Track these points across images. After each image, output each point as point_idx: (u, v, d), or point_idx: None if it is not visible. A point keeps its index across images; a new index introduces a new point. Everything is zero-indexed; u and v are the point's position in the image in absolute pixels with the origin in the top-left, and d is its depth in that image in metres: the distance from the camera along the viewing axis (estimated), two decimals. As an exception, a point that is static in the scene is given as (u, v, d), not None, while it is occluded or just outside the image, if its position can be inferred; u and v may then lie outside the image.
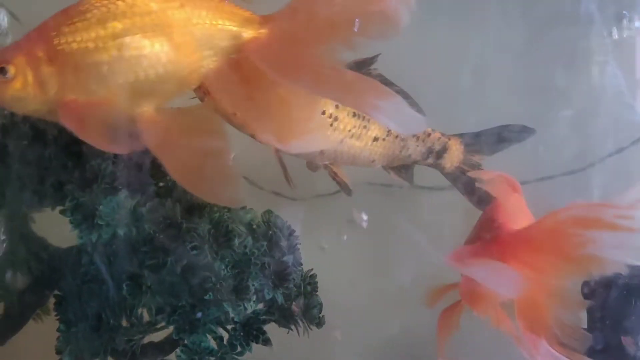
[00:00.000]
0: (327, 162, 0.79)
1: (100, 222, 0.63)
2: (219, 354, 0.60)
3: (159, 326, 0.64)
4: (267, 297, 0.63)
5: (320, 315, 0.69)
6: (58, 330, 0.63)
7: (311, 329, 0.68)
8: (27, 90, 0.56)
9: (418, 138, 0.82)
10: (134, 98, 0.58)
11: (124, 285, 0.62)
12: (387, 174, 0.96)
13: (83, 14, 0.57)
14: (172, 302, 0.61)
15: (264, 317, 0.63)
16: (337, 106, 0.74)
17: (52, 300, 0.74)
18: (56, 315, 0.65)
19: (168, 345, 0.67)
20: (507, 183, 0.80)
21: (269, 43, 0.60)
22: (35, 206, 0.68)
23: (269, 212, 0.71)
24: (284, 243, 0.68)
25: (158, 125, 0.59)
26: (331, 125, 0.74)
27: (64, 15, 0.57)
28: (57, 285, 0.74)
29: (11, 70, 0.56)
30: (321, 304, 0.69)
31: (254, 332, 0.62)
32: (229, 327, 0.63)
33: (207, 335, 0.61)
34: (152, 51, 0.57)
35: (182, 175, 0.58)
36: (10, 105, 0.59)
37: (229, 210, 0.66)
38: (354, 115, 0.75)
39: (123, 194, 0.65)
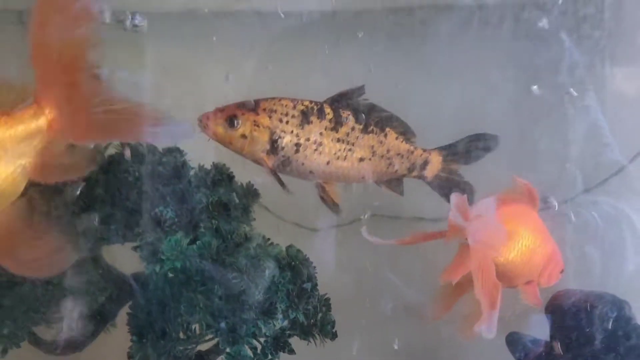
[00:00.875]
0: (319, 181, 0.91)
1: (162, 257, 0.82)
2: (253, 359, 0.78)
3: (207, 338, 0.83)
4: (291, 316, 0.81)
5: (334, 330, 0.87)
6: (131, 340, 0.82)
7: (326, 342, 0.86)
8: None
9: (402, 156, 0.92)
10: None
11: (181, 306, 0.81)
12: (391, 205, 1.14)
13: None
14: (218, 320, 0.79)
15: (288, 332, 0.81)
16: (320, 133, 0.87)
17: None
18: (128, 330, 0.83)
19: (213, 354, 0.85)
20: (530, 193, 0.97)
21: (59, 120, 0.69)
22: (111, 242, 0.88)
23: (291, 246, 0.89)
24: (304, 272, 0.86)
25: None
26: (316, 150, 0.87)
27: None
28: (124, 303, 0.93)
29: None
30: (334, 322, 0.87)
31: (281, 344, 0.80)
32: (261, 339, 0.81)
33: (245, 346, 0.79)
34: None
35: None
36: None
37: (261, 247, 0.85)
38: (338, 140, 0.89)
39: (179, 235, 0.84)
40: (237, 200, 0.88)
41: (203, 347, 0.85)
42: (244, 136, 0.84)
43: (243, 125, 0.84)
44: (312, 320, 0.84)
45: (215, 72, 1.14)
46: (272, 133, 0.85)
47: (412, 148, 0.92)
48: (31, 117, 0.68)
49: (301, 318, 0.82)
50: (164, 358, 0.82)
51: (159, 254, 0.82)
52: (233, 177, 0.92)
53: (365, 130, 0.89)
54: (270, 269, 0.82)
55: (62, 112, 0.69)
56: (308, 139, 0.87)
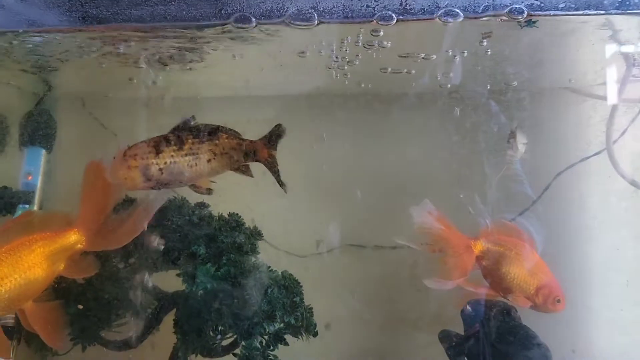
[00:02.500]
0: (192, 183, 1.14)
1: (197, 281, 1.20)
2: (261, 349, 1.16)
3: (228, 336, 1.20)
4: (286, 320, 1.19)
5: (315, 330, 1.25)
6: (177, 337, 1.20)
7: (310, 338, 1.24)
8: None
9: (235, 149, 1.15)
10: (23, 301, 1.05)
11: (211, 314, 1.18)
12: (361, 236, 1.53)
13: None
14: (237, 323, 1.17)
15: (284, 331, 1.19)
16: (172, 155, 1.10)
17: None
18: (174, 331, 1.21)
19: (233, 346, 1.23)
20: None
21: (88, 240, 1.10)
22: (160, 270, 1.25)
23: (285, 271, 1.27)
24: (294, 289, 1.24)
25: (34, 308, 1.07)
26: (174, 167, 1.11)
27: None
28: (165, 314, 1.31)
29: None
30: (315, 324, 1.25)
31: (279, 339, 1.18)
32: (265, 336, 1.19)
33: (256, 340, 1.16)
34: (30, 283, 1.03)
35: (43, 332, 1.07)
36: None
37: (264, 273, 1.23)
38: (186, 154, 1.12)
39: (209, 265, 1.21)
40: (246, 240, 1.27)
41: (225, 342, 1.23)
42: (126, 178, 1.10)
43: (123, 171, 1.10)
44: (300, 323, 1.22)
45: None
46: (142, 169, 1.11)
47: (240, 142, 1.16)
48: (71, 239, 1.09)
49: (293, 321, 1.20)
50: (198, 350, 1.20)
51: (195, 278, 1.20)
52: (243, 223, 1.30)
53: (201, 141, 1.15)
54: (271, 288, 1.20)
55: (89, 238, 1.10)
56: (166, 162, 1.11)
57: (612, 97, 1.31)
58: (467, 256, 1.28)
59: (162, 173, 1.11)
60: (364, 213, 1.58)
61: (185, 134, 1.15)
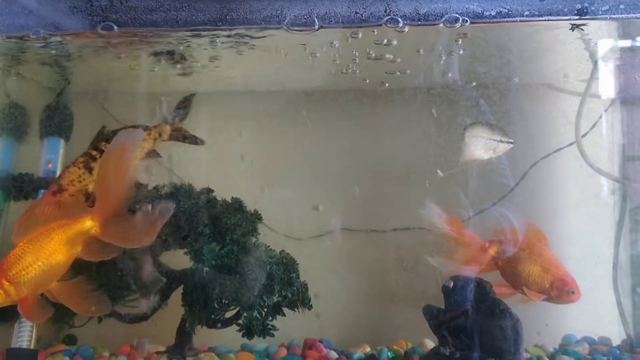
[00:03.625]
0: None
1: (204, 258, 1.32)
2: (261, 320, 1.28)
3: (231, 308, 1.33)
4: (283, 294, 1.31)
5: (310, 303, 1.38)
6: (184, 309, 1.32)
7: (305, 311, 1.37)
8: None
9: (146, 139, 1.31)
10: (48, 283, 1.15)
11: (215, 288, 1.31)
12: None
13: (18, 259, 1.10)
14: (239, 296, 1.29)
15: (282, 304, 1.32)
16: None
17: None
18: (182, 304, 1.34)
19: (235, 317, 1.36)
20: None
21: (102, 228, 1.17)
22: (169, 249, 1.38)
23: (283, 251, 1.40)
24: (292, 267, 1.36)
25: (60, 287, 1.17)
26: None
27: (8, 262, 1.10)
28: (174, 290, 1.43)
29: None
30: (310, 298, 1.37)
31: (277, 311, 1.31)
32: (265, 308, 1.31)
33: (255, 311, 1.29)
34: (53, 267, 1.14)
35: (72, 305, 1.18)
36: None
37: (264, 251, 1.35)
38: None
39: (214, 244, 1.34)
40: (247, 221, 1.40)
41: (228, 314, 1.36)
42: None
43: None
44: (296, 297, 1.35)
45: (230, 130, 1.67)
46: (83, 190, 1.25)
47: (147, 131, 1.34)
48: (85, 225, 1.17)
49: (289, 295, 1.33)
50: (204, 320, 1.33)
51: (201, 256, 1.33)
52: (245, 206, 1.43)
53: None
54: (270, 265, 1.33)
55: (103, 226, 1.17)
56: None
57: (582, 94, 1.43)
58: (483, 258, 1.39)
59: None
60: (358, 200, 1.71)
61: (102, 144, 1.30)
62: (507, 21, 1.06)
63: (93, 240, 1.19)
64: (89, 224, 1.17)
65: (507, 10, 1.05)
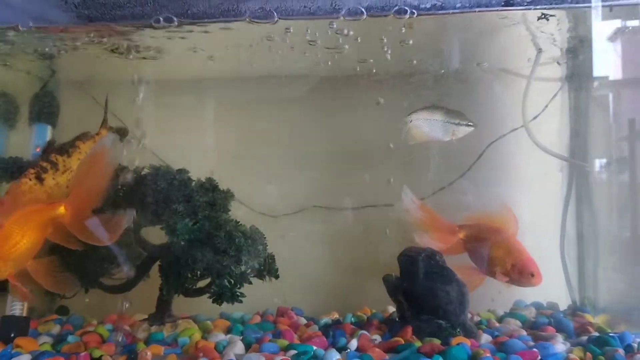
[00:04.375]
0: None
1: (178, 233, 1.45)
2: (229, 287, 1.41)
3: (204, 277, 1.45)
4: (250, 264, 1.44)
5: (277, 273, 1.50)
6: (161, 279, 1.45)
7: (272, 279, 1.50)
8: None
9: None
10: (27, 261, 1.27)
11: (189, 260, 1.43)
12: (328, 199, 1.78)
13: (6, 239, 1.21)
14: (210, 267, 1.42)
15: (249, 273, 1.44)
16: (53, 178, 1.37)
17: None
18: (159, 275, 1.46)
19: (207, 287, 1.48)
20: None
21: (71, 217, 1.30)
22: (147, 224, 1.50)
23: (253, 226, 1.52)
24: (259, 240, 1.49)
25: (35, 265, 1.29)
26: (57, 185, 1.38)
27: None
28: (154, 263, 1.56)
29: None
30: (277, 268, 1.50)
31: (245, 280, 1.43)
32: (234, 277, 1.44)
33: (225, 280, 1.41)
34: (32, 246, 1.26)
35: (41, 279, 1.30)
36: None
37: (234, 226, 1.47)
38: (64, 172, 1.39)
39: (187, 220, 1.46)
40: (219, 200, 1.52)
41: (201, 284, 1.48)
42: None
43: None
44: (263, 267, 1.48)
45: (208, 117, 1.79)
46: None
47: (92, 140, 1.48)
48: (57, 211, 1.30)
49: (257, 265, 1.45)
50: (179, 289, 1.46)
51: (176, 232, 1.45)
52: (217, 185, 1.54)
53: (69, 155, 1.43)
54: (238, 238, 1.45)
55: (73, 216, 1.30)
56: (51, 187, 1.37)
57: (527, 78, 1.54)
58: (451, 240, 1.52)
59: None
60: (328, 180, 1.83)
61: (52, 156, 1.41)
62: (441, 13, 1.17)
63: (62, 227, 1.32)
64: (61, 210, 1.30)
65: (441, 3, 1.16)
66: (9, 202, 1.27)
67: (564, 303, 1.63)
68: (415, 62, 1.62)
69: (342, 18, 1.22)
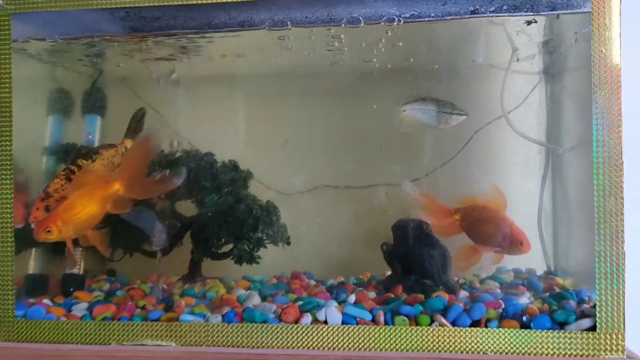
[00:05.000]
0: None
1: (206, 206, 1.73)
2: (248, 251, 1.68)
3: (228, 243, 1.73)
4: (265, 231, 1.71)
5: (289, 240, 1.77)
6: (193, 245, 1.74)
7: (284, 246, 1.77)
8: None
9: (114, 155, 1.76)
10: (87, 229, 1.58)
11: (215, 228, 1.71)
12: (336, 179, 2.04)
13: (70, 207, 1.53)
14: (232, 234, 1.70)
15: (265, 239, 1.72)
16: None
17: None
18: (191, 241, 1.75)
19: (230, 252, 1.76)
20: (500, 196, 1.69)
21: (126, 189, 1.61)
22: (182, 199, 1.79)
23: (268, 201, 1.79)
24: (273, 212, 1.76)
25: (94, 234, 1.60)
26: None
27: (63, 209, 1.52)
28: (186, 232, 1.85)
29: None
30: (289, 236, 1.77)
31: (261, 244, 1.71)
32: (251, 243, 1.71)
33: (245, 245, 1.69)
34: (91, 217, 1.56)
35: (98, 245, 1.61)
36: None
37: (252, 200, 1.75)
38: None
39: (213, 195, 1.74)
40: (239, 178, 1.79)
41: (225, 249, 1.76)
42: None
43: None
44: (277, 235, 1.75)
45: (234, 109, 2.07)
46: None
47: (115, 149, 1.77)
48: (115, 187, 1.60)
49: (271, 233, 1.73)
50: (207, 253, 1.75)
51: (204, 205, 1.74)
52: (238, 166, 1.82)
53: (92, 161, 1.73)
54: (256, 210, 1.73)
55: (127, 188, 1.60)
56: None
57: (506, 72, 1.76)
58: (450, 222, 1.74)
59: None
60: (336, 163, 2.09)
61: (79, 160, 1.70)
62: (418, 21, 1.41)
63: (119, 199, 1.62)
64: (116, 186, 1.60)
65: (418, 13, 1.40)
66: (76, 180, 1.58)
67: (541, 270, 1.85)
68: (411, 59, 1.86)
69: (343, 25, 1.46)
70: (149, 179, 1.65)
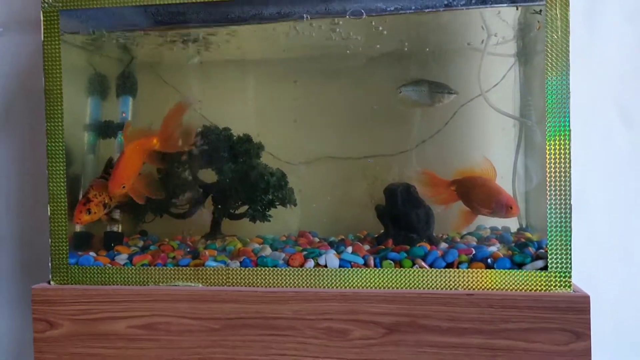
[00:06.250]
0: None
1: (224, 173, 2.02)
2: (261, 211, 1.98)
3: (244, 205, 2.03)
4: (276, 194, 2.00)
5: (296, 202, 2.07)
6: (214, 208, 2.04)
7: (292, 206, 2.06)
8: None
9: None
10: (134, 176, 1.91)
11: (232, 192, 2.01)
12: (341, 150, 2.33)
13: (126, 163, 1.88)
14: (248, 197, 1.99)
15: (275, 201, 2.01)
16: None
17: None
18: (212, 203, 2.05)
19: (245, 213, 2.06)
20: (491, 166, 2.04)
21: (160, 144, 1.96)
22: (202, 168, 2.09)
23: (278, 169, 2.08)
24: (282, 178, 2.05)
25: (140, 179, 1.93)
26: None
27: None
28: (208, 196, 2.15)
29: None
30: (295, 198, 2.06)
31: (272, 205, 2.00)
32: (264, 204, 2.01)
33: (258, 205, 1.99)
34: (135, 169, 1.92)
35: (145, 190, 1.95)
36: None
37: (264, 168, 2.04)
38: None
39: (230, 163, 2.03)
40: (253, 150, 2.08)
41: (241, 210, 2.06)
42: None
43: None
44: (285, 197, 2.04)
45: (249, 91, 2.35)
46: (102, 200, 1.94)
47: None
48: (153, 142, 1.93)
49: (280, 195, 2.02)
50: (225, 214, 2.05)
51: (222, 172, 2.03)
52: (251, 139, 2.11)
53: None
54: (267, 176, 2.02)
55: (161, 143, 1.93)
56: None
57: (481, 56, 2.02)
58: (448, 193, 2.03)
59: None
60: (338, 136, 2.37)
61: (110, 169, 1.98)
62: (401, 13, 1.68)
63: (154, 153, 1.96)
64: (155, 141, 1.92)
65: (400, 7, 1.67)
66: (126, 140, 1.92)
67: (514, 228, 2.13)
68: (406, 44, 2.12)
69: (342, 19, 1.73)
70: (178, 137, 2.01)
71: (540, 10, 1.74)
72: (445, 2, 1.63)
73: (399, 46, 2.13)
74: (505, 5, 1.64)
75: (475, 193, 1.96)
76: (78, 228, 1.97)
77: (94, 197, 1.94)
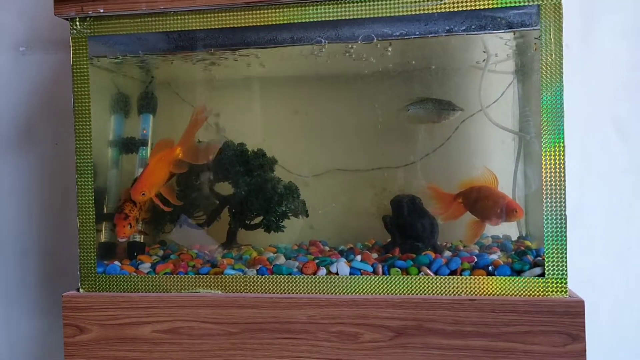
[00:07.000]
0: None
1: (240, 186, 2.15)
2: (274, 221, 2.10)
3: (258, 216, 2.16)
4: (289, 206, 2.13)
5: (307, 213, 2.19)
6: (230, 217, 2.16)
7: (304, 217, 2.18)
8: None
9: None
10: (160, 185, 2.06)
11: (247, 204, 2.13)
12: (350, 161, 2.45)
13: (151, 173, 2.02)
14: (261, 208, 2.12)
15: (288, 212, 2.13)
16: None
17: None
18: (228, 215, 2.17)
19: (259, 223, 2.18)
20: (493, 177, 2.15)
21: (183, 154, 2.09)
22: (219, 182, 2.21)
23: (290, 181, 2.20)
24: (294, 190, 2.17)
25: (165, 188, 2.06)
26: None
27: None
28: (223, 208, 2.27)
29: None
30: (307, 210, 2.18)
31: (285, 216, 2.12)
32: (277, 215, 2.13)
33: (272, 217, 2.11)
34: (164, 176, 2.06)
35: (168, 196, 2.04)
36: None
37: (277, 182, 2.16)
38: None
39: (246, 177, 2.16)
40: (266, 164, 2.20)
41: (256, 221, 2.18)
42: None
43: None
44: (297, 208, 2.16)
45: (262, 108, 2.48)
46: (135, 217, 1.97)
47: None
48: (176, 152, 2.07)
49: (292, 207, 2.14)
50: (241, 225, 2.17)
51: (238, 185, 2.15)
52: (265, 154, 2.23)
53: None
54: (280, 189, 2.14)
55: (184, 152, 2.07)
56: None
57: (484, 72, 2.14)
58: (455, 206, 2.14)
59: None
60: (346, 150, 2.49)
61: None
62: (406, 38, 1.80)
63: (178, 161, 2.08)
64: (178, 151, 2.05)
65: (405, 32, 1.79)
66: (153, 152, 2.06)
67: (515, 237, 2.25)
68: (414, 62, 2.25)
69: (355, 45, 1.86)
70: (198, 147, 2.17)
71: (514, 33, 1.87)
72: (447, 28, 1.75)
73: (406, 66, 2.26)
74: (502, 31, 1.75)
75: (482, 201, 2.07)
76: (120, 241, 2.08)
77: (130, 211, 2.07)
